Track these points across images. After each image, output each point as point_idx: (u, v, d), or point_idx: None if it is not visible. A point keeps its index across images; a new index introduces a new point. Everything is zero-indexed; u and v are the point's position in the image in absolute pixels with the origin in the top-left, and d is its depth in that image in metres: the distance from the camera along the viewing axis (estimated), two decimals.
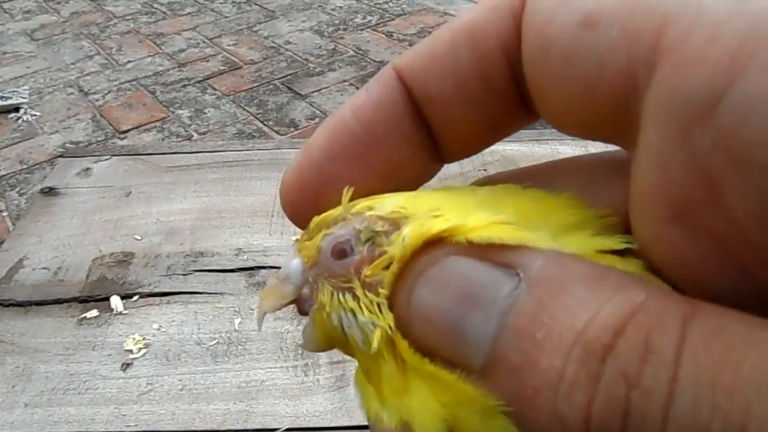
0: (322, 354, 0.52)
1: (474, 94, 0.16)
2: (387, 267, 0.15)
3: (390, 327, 0.14)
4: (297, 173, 0.18)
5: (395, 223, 0.15)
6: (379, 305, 0.15)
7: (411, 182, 0.18)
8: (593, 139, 0.15)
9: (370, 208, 0.16)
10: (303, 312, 0.17)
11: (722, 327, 0.11)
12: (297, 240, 0.17)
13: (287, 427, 0.47)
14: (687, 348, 0.11)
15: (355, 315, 0.15)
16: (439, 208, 0.15)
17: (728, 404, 0.10)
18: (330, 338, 0.16)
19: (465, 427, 0.14)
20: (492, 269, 0.13)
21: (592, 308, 0.12)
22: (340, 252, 0.16)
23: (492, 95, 0.16)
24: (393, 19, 2.32)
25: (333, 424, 0.47)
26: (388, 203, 0.16)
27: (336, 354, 0.52)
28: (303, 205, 0.18)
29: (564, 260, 0.13)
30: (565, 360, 0.11)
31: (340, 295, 0.15)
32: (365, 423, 0.48)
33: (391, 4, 2.45)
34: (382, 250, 0.15)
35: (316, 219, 0.17)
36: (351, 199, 0.16)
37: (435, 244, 0.14)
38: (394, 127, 0.17)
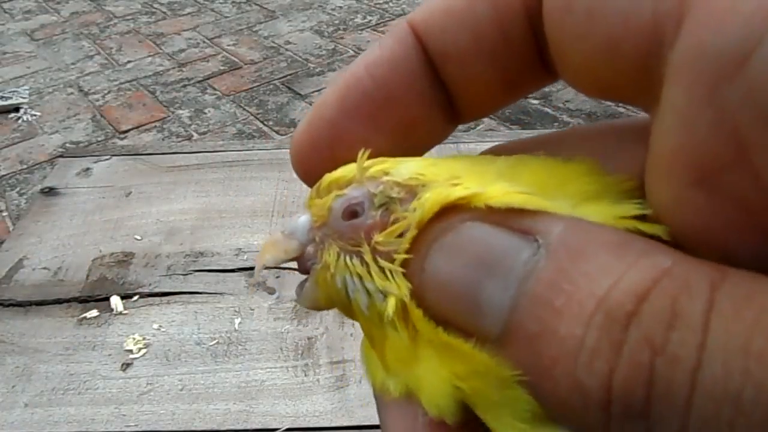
0: (322, 354, 0.52)
1: (492, 50, 0.15)
2: (400, 235, 0.14)
3: (406, 295, 0.14)
4: (308, 130, 0.17)
5: (412, 191, 0.15)
6: (392, 272, 0.14)
7: (424, 142, 0.17)
8: (612, 100, 0.14)
9: (386, 173, 0.15)
10: (304, 271, 0.17)
11: (753, 292, 0.10)
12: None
13: (287, 427, 0.47)
14: (716, 313, 0.10)
15: (361, 279, 0.15)
16: (458, 176, 0.14)
17: (761, 371, 0.09)
18: (331, 299, 0.16)
19: (479, 397, 0.13)
20: (510, 235, 0.13)
21: (614, 274, 0.11)
22: (352, 213, 0.15)
23: (510, 51, 0.15)
24: (393, 19, 2.32)
25: (333, 424, 0.47)
26: (405, 169, 0.15)
27: (336, 354, 0.52)
28: (314, 163, 0.17)
29: (585, 226, 0.12)
30: (586, 327, 0.11)
31: (347, 258, 0.15)
32: (365, 423, 0.48)
33: (391, 4, 2.45)
34: (395, 217, 0.14)
35: (328, 178, 0.16)
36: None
37: (452, 210, 0.14)
38: (409, 85, 0.16)
